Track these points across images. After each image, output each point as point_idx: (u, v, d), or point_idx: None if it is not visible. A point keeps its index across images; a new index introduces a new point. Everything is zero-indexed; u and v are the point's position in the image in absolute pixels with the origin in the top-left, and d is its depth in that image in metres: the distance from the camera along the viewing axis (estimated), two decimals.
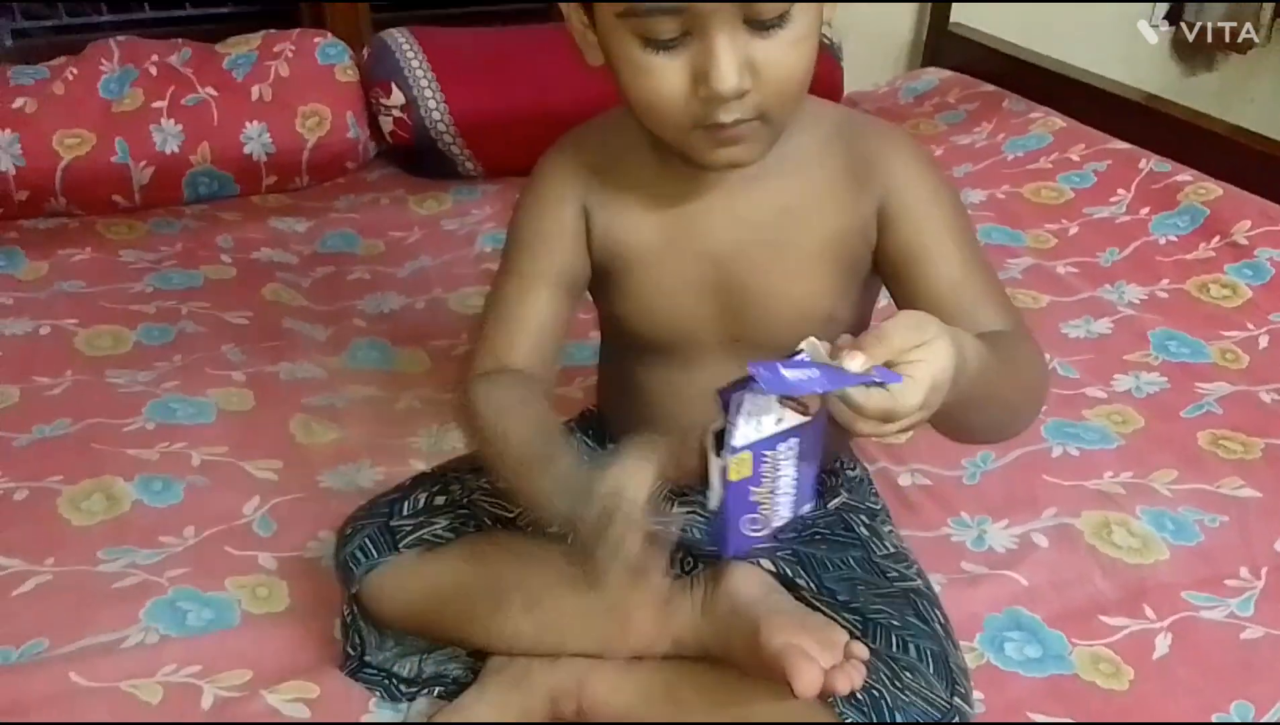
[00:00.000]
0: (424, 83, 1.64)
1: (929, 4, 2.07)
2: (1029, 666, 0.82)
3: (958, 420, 0.65)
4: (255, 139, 1.59)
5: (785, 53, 0.64)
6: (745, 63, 0.63)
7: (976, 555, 0.93)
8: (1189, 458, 1.05)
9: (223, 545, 0.95)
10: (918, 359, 0.56)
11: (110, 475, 1.02)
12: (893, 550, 0.81)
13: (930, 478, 1.03)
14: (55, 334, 1.25)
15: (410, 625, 0.78)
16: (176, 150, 1.56)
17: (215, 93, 1.59)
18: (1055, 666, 0.82)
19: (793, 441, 0.60)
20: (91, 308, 1.30)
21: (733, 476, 0.59)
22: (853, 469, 0.88)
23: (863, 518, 0.83)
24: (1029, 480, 1.02)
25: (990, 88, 1.87)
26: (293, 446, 1.08)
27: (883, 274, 0.76)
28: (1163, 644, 0.84)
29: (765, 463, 0.60)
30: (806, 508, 0.64)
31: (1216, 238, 1.40)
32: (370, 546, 0.78)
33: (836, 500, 0.84)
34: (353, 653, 0.80)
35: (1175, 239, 1.43)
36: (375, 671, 0.80)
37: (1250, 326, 1.25)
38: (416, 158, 1.68)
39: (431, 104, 1.63)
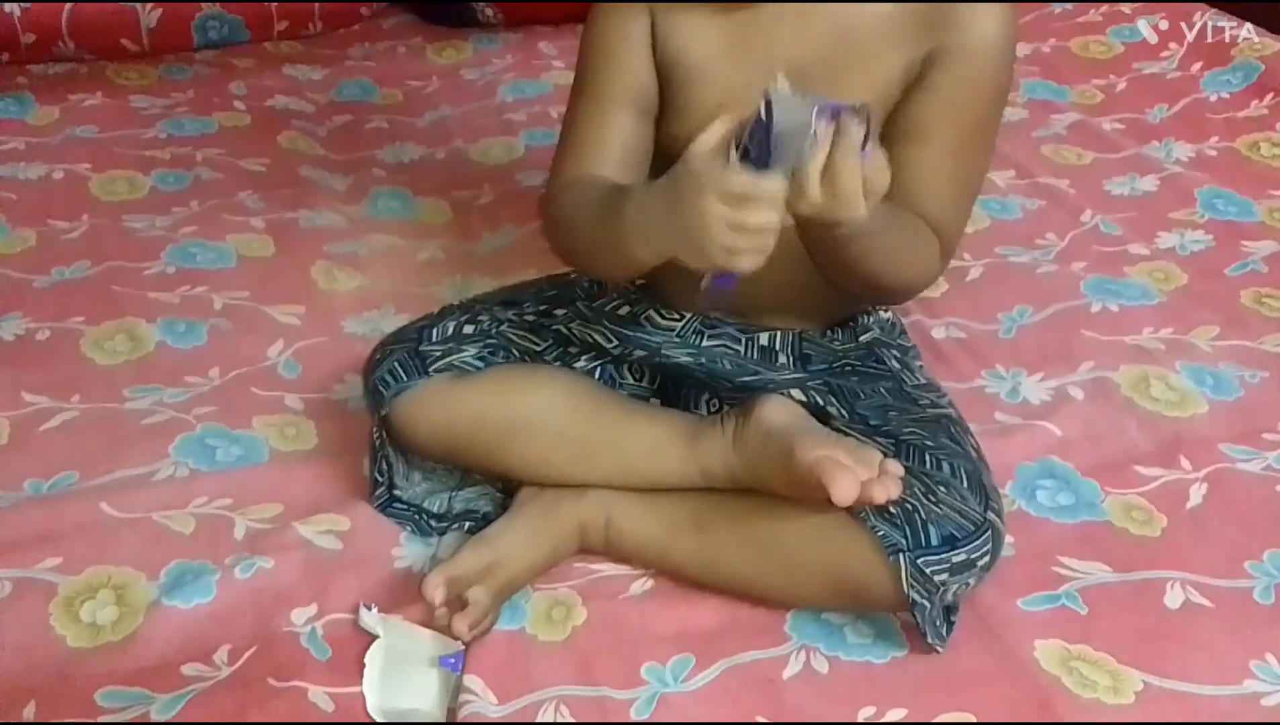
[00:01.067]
0: None
1: None
2: (1061, 513, 0.82)
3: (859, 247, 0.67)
4: None
5: None
6: None
7: (1010, 407, 0.92)
8: (1231, 315, 1.03)
9: (248, 386, 0.94)
10: None
11: (133, 317, 1.01)
12: (924, 382, 0.80)
13: (965, 331, 1.01)
14: (69, 179, 1.23)
15: (439, 452, 0.78)
16: None
17: None
18: (1087, 513, 0.81)
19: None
20: (105, 153, 1.28)
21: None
22: (885, 311, 0.86)
23: (894, 352, 0.82)
24: (1067, 335, 1.00)
25: None
26: (315, 292, 1.07)
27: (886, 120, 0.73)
28: (1197, 494, 0.83)
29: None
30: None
31: (1270, 95, 1.34)
32: (400, 370, 0.77)
33: (868, 336, 0.82)
34: (380, 479, 0.80)
35: (1227, 96, 1.37)
36: (405, 506, 0.80)
37: None
38: (434, 4, 1.61)
39: None
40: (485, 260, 1.14)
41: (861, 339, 0.82)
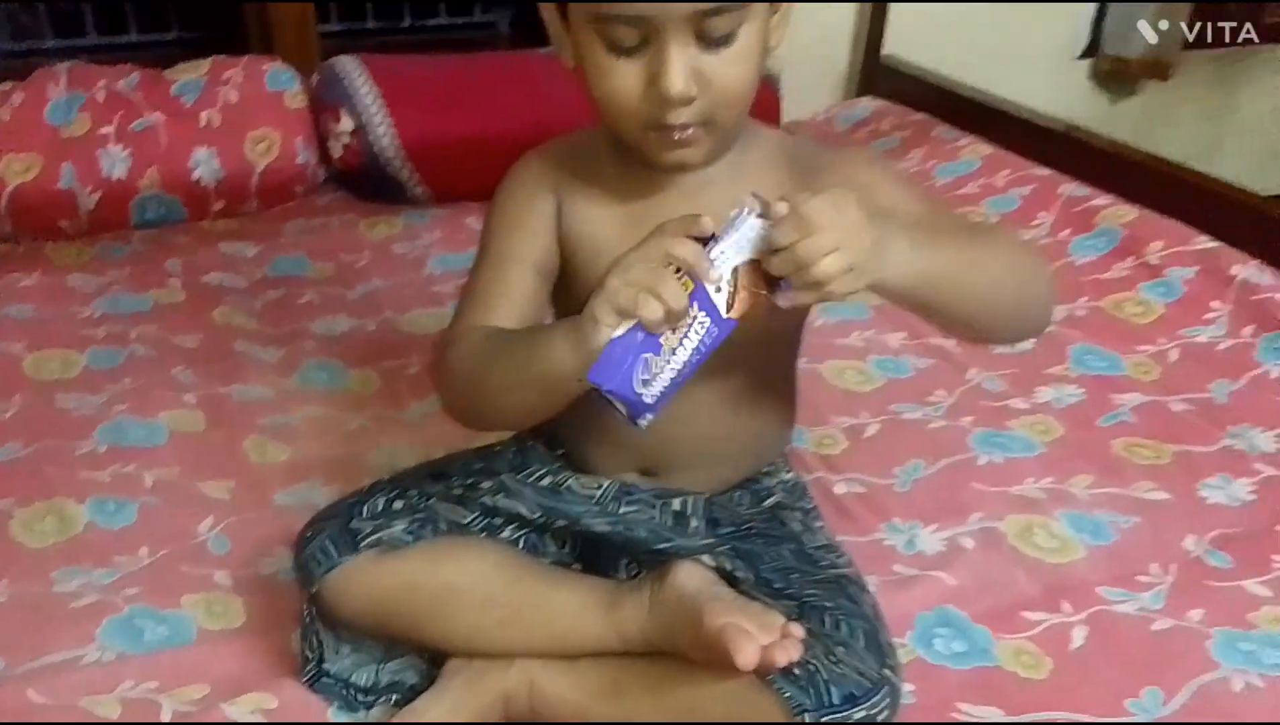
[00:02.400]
0: (374, 109, 1.67)
1: (864, 36, 2.16)
2: (956, 660, 0.87)
3: (934, 301, 0.72)
4: (204, 164, 1.61)
5: (730, 66, 0.71)
6: (693, 72, 0.70)
7: (908, 558, 0.99)
8: (1105, 464, 1.12)
9: (178, 564, 0.97)
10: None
11: (62, 497, 1.03)
12: (824, 543, 0.86)
13: (864, 486, 1.09)
14: (3, 358, 1.26)
15: (369, 626, 0.81)
16: (124, 175, 1.57)
17: (164, 118, 1.61)
18: (980, 659, 0.87)
19: (708, 321, 0.66)
20: (40, 332, 1.31)
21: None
22: (788, 472, 0.93)
23: (797, 514, 0.89)
24: (957, 487, 1.08)
25: (921, 116, 1.96)
26: (246, 466, 1.10)
27: None
28: (1079, 636, 0.90)
29: (689, 316, 0.66)
30: (650, 413, 0.68)
31: (1131, 258, 1.49)
32: (331, 547, 0.81)
33: (771, 500, 0.89)
34: (310, 655, 0.82)
35: (1093, 259, 1.51)
36: (333, 680, 0.83)
37: (1162, 341, 1.33)
38: (366, 182, 1.71)
39: (381, 130, 1.67)
40: (413, 428, 1.19)
41: (765, 503, 0.88)
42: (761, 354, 0.84)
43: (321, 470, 1.10)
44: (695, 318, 0.67)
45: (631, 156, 0.77)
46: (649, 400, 0.68)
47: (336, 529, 0.82)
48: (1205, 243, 1.44)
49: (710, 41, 0.70)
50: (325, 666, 0.83)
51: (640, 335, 0.66)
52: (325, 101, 1.69)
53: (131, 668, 0.85)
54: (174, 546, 0.98)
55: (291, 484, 1.08)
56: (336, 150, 1.69)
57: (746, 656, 0.68)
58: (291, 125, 1.68)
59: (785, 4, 0.75)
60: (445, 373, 0.80)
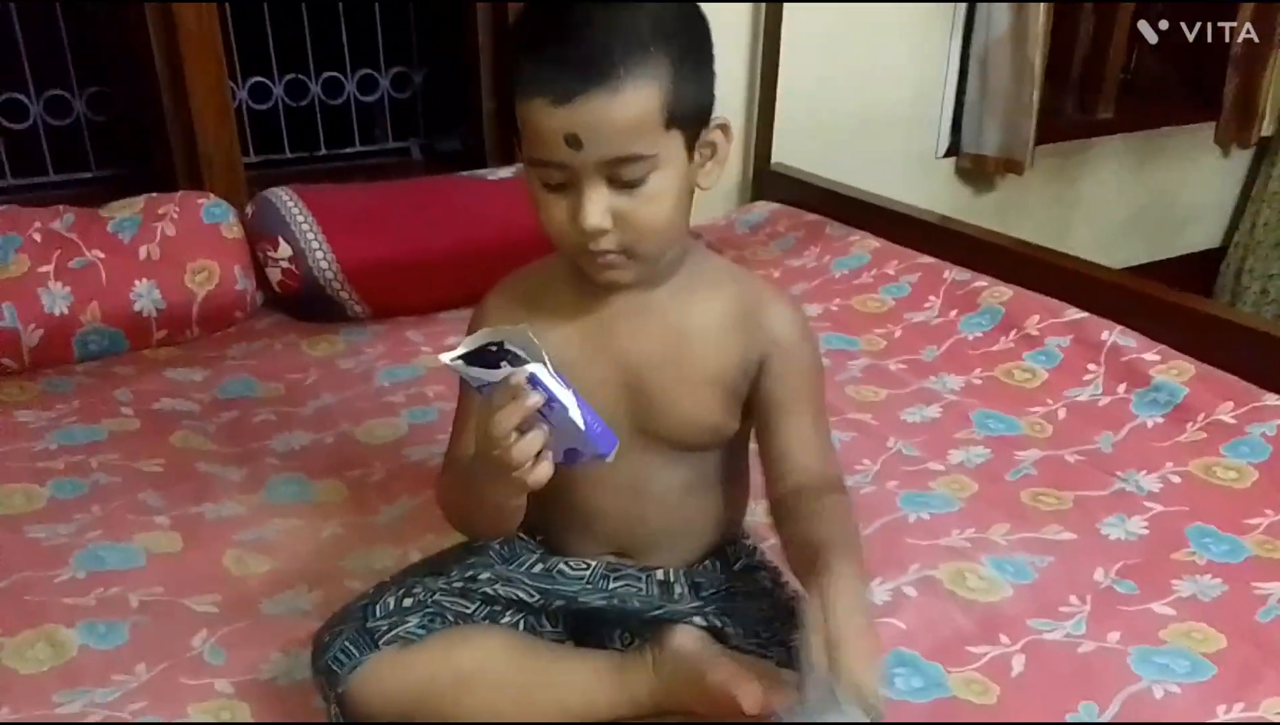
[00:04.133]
0: (310, 235, 1.75)
1: (753, 146, 2.36)
2: (915, 694, 0.98)
3: None
4: (145, 296, 1.66)
5: (642, 206, 0.83)
6: (611, 209, 0.82)
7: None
8: (1016, 513, 1.26)
9: (178, 677, 1.00)
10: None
11: (51, 624, 1.05)
12: (794, 593, 0.97)
13: None
14: None
15: (393, 717, 0.87)
16: (66, 311, 1.60)
17: (102, 255, 1.65)
18: (937, 692, 0.98)
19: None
20: None
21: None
22: (748, 539, 1.04)
23: (764, 574, 0.99)
24: (895, 543, 1.20)
25: (813, 217, 2.15)
26: (229, 579, 1.14)
27: (750, 408, 0.93)
28: (1018, 663, 1.02)
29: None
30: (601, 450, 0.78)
31: (1013, 331, 1.67)
32: (351, 648, 0.87)
33: (740, 563, 1.00)
34: None
35: (980, 335, 1.69)
36: None
37: (1049, 402, 1.51)
38: (305, 304, 1.77)
39: (319, 254, 1.75)
40: (385, 531, 1.25)
41: (736, 567, 0.98)
42: (712, 448, 0.95)
43: (303, 578, 1.15)
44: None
45: (583, 275, 0.88)
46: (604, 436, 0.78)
47: (354, 630, 0.88)
48: (1074, 314, 1.64)
49: (622, 184, 0.81)
50: None
51: (583, 406, 0.76)
52: (262, 231, 1.77)
53: None
54: (171, 661, 1.01)
55: (276, 593, 1.12)
56: (275, 276, 1.76)
57: (752, 700, 0.77)
58: (229, 254, 1.74)
59: (718, 152, 0.87)
60: (439, 499, 0.92)
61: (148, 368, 1.61)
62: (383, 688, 0.85)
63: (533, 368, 0.75)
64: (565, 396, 0.75)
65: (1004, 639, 1.05)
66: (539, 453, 0.76)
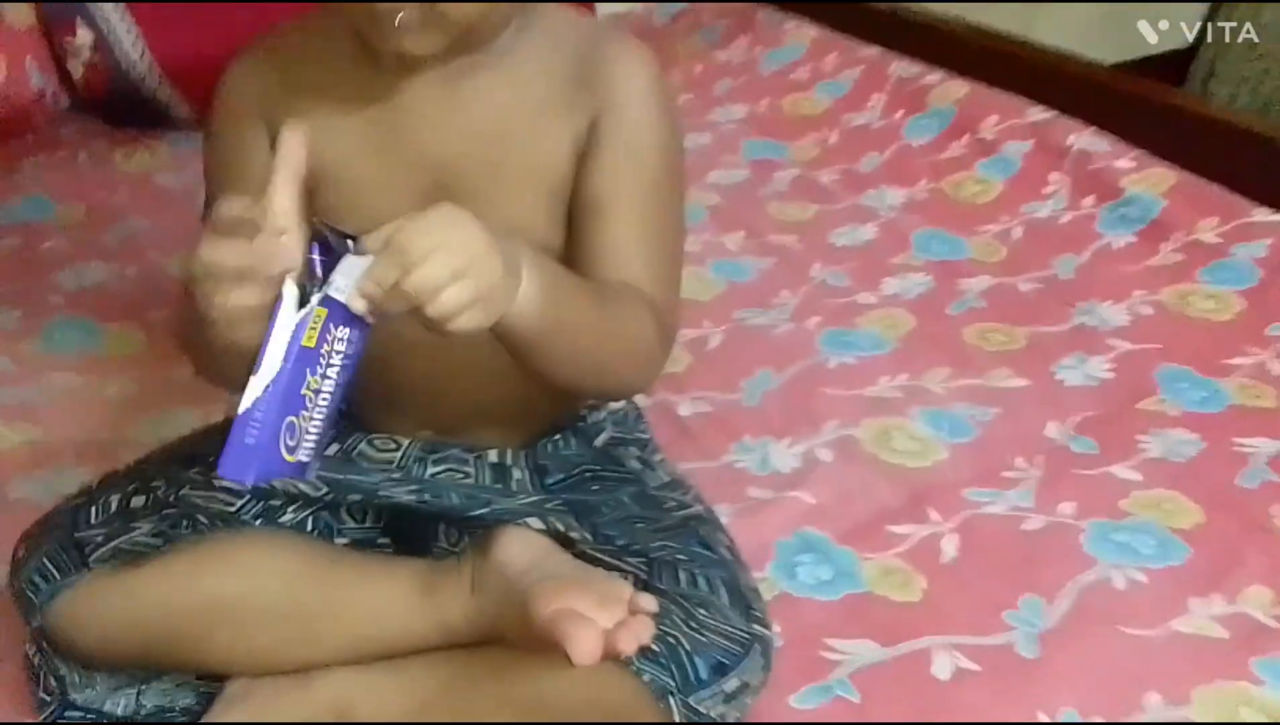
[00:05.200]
0: (114, 18, 1.42)
1: None
2: (822, 589, 0.79)
3: (542, 350, 0.61)
4: None
5: None
6: None
7: (761, 478, 0.89)
8: (958, 354, 1.05)
9: None
10: None
11: None
12: (667, 479, 0.76)
13: (711, 404, 0.98)
14: None
15: (118, 657, 0.66)
16: None
17: None
18: (847, 585, 0.79)
19: (355, 334, 0.54)
20: None
21: (305, 341, 0.52)
22: (618, 404, 0.81)
23: (633, 449, 0.77)
24: (808, 395, 0.99)
25: (744, 3, 1.83)
26: None
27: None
28: (949, 547, 0.83)
29: (327, 343, 0.53)
30: (314, 461, 0.56)
31: (966, 136, 1.42)
32: (51, 567, 0.64)
33: (603, 437, 0.77)
34: (49, 698, 0.66)
35: (928, 141, 1.44)
36: (80, 714, 0.67)
37: (1004, 219, 1.27)
38: (116, 106, 1.46)
39: (126, 42, 1.42)
40: (189, 389, 1.00)
41: (597, 442, 0.76)
42: None
43: (73, 452, 0.92)
44: (334, 337, 0.54)
45: (367, 46, 0.63)
46: (305, 458, 0.55)
47: (58, 542, 0.65)
48: (1039, 114, 1.39)
49: None
50: (71, 697, 0.66)
51: (273, 400, 0.52)
52: (56, 16, 1.43)
53: None
54: None
55: (34, 470, 0.89)
56: (77, 71, 1.43)
57: (583, 649, 0.56)
58: (18, 46, 1.40)
59: None
60: (175, 333, 0.67)
61: None
62: (98, 619, 0.64)
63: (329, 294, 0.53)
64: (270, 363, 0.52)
65: (934, 515, 0.85)
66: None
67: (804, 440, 0.93)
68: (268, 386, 0.52)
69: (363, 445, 0.73)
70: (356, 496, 0.69)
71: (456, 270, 0.52)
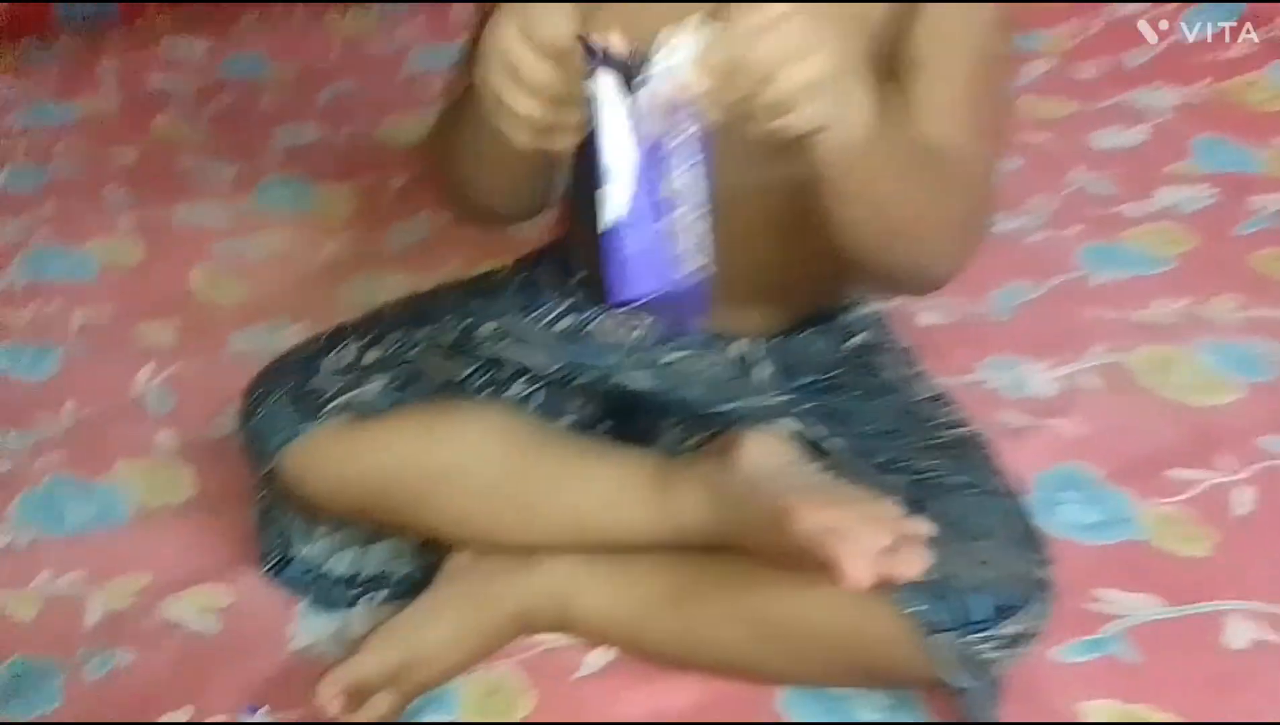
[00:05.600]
0: None
1: None
2: (1089, 532, 0.69)
3: (862, 181, 0.51)
4: None
5: None
6: None
7: (1015, 403, 0.79)
8: (1249, 281, 0.91)
9: (109, 424, 0.79)
10: None
11: None
12: (931, 393, 0.67)
13: (954, 314, 0.88)
14: None
15: (341, 511, 0.63)
16: None
17: None
18: (1121, 531, 0.69)
19: (693, 125, 0.45)
20: None
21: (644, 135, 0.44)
22: (870, 306, 0.72)
23: (890, 358, 0.68)
24: (1069, 314, 0.87)
25: None
26: (193, 304, 0.91)
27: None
28: (1244, 500, 0.71)
29: (670, 135, 0.45)
30: (707, 263, 0.47)
31: (1258, 30, 1.22)
32: (285, 413, 0.62)
33: (857, 339, 0.69)
34: (273, 548, 0.64)
35: (1209, 36, 1.25)
36: (304, 570, 0.65)
37: None
38: None
39: None
40: (398, 256, 0.98)
41: (850, 342, 0.68)
42: None
43: (286, 308, 0.91)
44: (676, 128, 0.45)
45: None
46: (694, 265, 0.46)
47: (293, 389, 0.62)
48: None
49: None
50: (292, 552, 0.65)
51: (636, 206, 0.45)
52: None
53: (51, 554, 0.68)
54: (105, 403, 0.80)
55: (249, 325, 0.89)
56: None
57: (855, 572, 0.49)
58: None
59: None
60: (428, 147, 0.62)
61: (141, 39, 1.33)
62: (325, 472, 0.61)
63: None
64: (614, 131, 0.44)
65: (1224, 462, 0.73)
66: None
67: (1065, 364, 0.82)
68: (626, 194, 0.45)
69: (597, 322, 0.67)
70: (590, 376, 0.63)
71: (805, 44, 0.44)
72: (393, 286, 0.93)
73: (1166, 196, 1.02)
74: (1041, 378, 0.81)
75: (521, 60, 0.45)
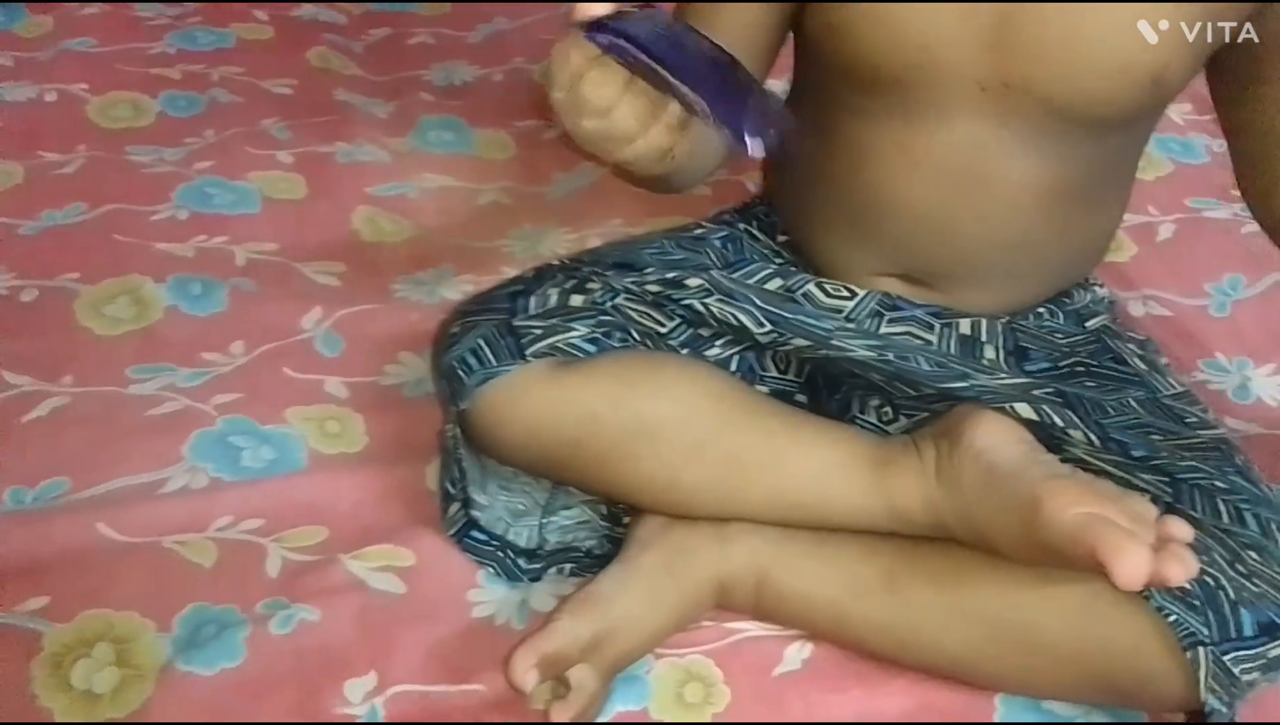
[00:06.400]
0: None
1: None
2: None
3: None
4: None
5: None
6: None
7: (1242, 408, 0.73)
8: None
9: (280, 366, 0.76)
10: None
11: (138, 274, 0.82)
12: (1179, 389, 0.61)
13: (1169, 307, 0.82)
14: (64, 101, 1.03)
15: (533, 460, 0.60)
16: None
17: None
18: None
19: None
20: (105, 71, 1.07)
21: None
22: (1101, 286, 0.66)
23: (1132, 347, 0.62)
24: None
25: None
26: (358, 245, 0.88)
27: (1218, 64, 0.54)
28: None
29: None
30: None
31: None
32: (487, 350, 0.58)
33: (1096, 321, 0.63)
34: (453, 490, 0.61)
35: None
36: (485, 539, 0.62)
37: None
38: None
39: None
40: (559, 207, 0.94)
41: (1089, 325, 0.62)
42: (1121, 118, 0.56)
43: (450, 254, 0.88)
44: None
45: None
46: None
47: (495, 326, 0.59)
48: None
49: None
50: (474, 514, 0.62)
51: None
52: None
53: (229, 498, 0.66)
54: (275, 343, 0.78)
55: (415, 270, 0.86)
56: None
57: (1132, 571, 0.44)
58: None
59: None
60: None
61: None
62: (525, 415, 0.57)
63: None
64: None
65: None
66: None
67: None
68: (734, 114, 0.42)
69: (811, 287, 0.63)
70: (803, 341, 0.59)
71: None
72: (552, 240, 0.90)
73: None
74: (1269, 382, 0.75)
75: (598, 131, 0.44)
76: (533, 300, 0.60)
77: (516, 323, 0.59)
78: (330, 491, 0.67)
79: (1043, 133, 0.55)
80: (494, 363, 0.58)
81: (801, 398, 0.64)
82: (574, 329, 0.59)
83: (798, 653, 0.58)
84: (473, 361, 0.59)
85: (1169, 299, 0.82)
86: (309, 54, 1.13)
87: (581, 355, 0.59)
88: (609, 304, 0.60)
